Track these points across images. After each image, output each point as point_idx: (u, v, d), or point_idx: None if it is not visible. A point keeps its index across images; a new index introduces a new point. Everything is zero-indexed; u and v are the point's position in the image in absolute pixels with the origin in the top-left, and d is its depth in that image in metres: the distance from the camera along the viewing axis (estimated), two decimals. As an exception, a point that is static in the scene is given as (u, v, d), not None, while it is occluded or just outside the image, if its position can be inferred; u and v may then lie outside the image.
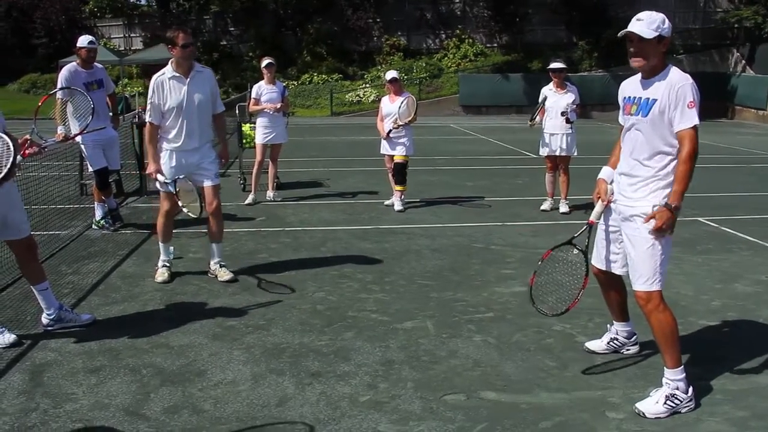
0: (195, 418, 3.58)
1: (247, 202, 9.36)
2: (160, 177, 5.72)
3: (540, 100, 8.91)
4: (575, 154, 8.84)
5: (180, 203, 5.53)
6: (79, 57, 7.61)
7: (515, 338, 4.71)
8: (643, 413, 3.64)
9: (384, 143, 9.07)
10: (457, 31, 34.51)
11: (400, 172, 8.97)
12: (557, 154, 8.74)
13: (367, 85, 31.75)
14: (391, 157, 9.03)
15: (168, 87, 5.65)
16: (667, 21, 3.63)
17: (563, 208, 8.84)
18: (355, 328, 4.86)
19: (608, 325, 4.45)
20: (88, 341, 4.57)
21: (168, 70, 5.67)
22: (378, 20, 34.77)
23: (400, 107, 8.76)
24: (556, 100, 8.70)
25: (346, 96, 31.31)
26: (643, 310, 3.76)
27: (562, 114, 8.60)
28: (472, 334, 4.77)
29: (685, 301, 5.47)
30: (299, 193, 10.20)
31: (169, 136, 5.73)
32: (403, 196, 9.09)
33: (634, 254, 3.74)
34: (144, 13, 40.75)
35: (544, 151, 8.93)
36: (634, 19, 3.62)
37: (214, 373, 4.13)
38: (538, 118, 8.95)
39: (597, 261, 4.12)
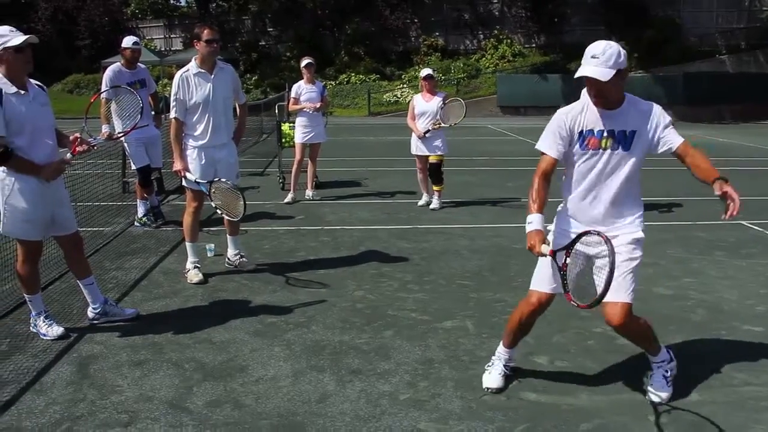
0: (237, 413, 3.63)
1: (286, 200, 9.44)
2: (189, 175, 5.75)
3: None
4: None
5: (214, 204, 5.53)
6: (123, 57, 7.78)
7: (555, 339, 4.67)
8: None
9: (418, 144, 9.03)
10: (495, 32, 34.38)
11: (437, 171, 8.96)
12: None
13: (405, 86, 31.79)
14: (425, 157, 9.03)
15: (193, 83, 5.68)
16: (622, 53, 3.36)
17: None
18: (395, 327, 4.88)
19: None
20: (132, 335, 4.67)
21: (192, 66, 5.72)
22: (416, 20, 34.84)
23: (441, 107, 8.72)
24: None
25: (384, 96, 31.40)
26: None
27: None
28: (512, 334, 4.73)
29: (728, 306, 5.38)
30: (338, 192, 10.26)
31: (195, 132, 5.76)
32: (440, 196, 9.09)
33: None
34: (184, 14, 41.42)
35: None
36: (589, 56, 3.37)
37: (255, 368, 4.17)
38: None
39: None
